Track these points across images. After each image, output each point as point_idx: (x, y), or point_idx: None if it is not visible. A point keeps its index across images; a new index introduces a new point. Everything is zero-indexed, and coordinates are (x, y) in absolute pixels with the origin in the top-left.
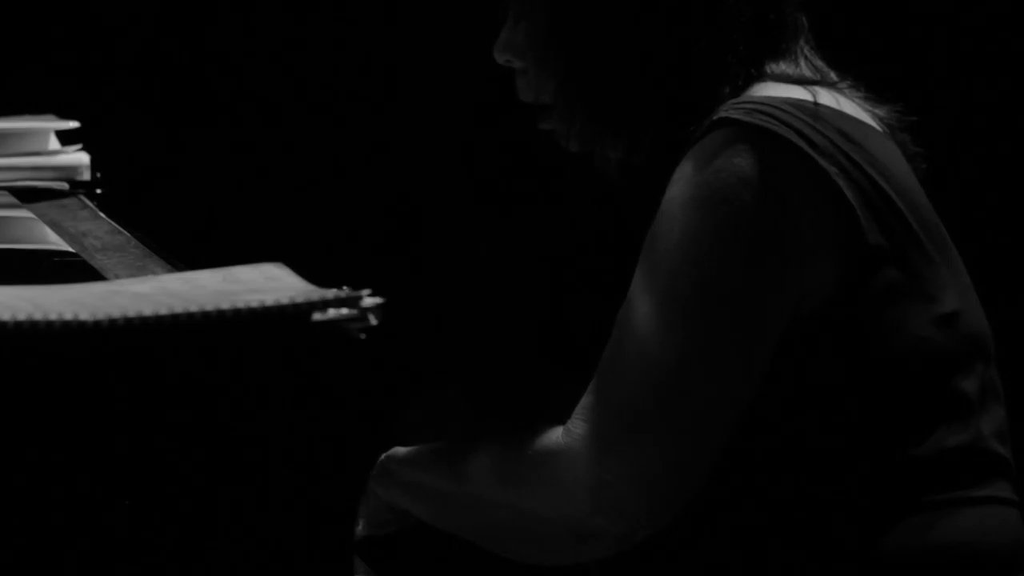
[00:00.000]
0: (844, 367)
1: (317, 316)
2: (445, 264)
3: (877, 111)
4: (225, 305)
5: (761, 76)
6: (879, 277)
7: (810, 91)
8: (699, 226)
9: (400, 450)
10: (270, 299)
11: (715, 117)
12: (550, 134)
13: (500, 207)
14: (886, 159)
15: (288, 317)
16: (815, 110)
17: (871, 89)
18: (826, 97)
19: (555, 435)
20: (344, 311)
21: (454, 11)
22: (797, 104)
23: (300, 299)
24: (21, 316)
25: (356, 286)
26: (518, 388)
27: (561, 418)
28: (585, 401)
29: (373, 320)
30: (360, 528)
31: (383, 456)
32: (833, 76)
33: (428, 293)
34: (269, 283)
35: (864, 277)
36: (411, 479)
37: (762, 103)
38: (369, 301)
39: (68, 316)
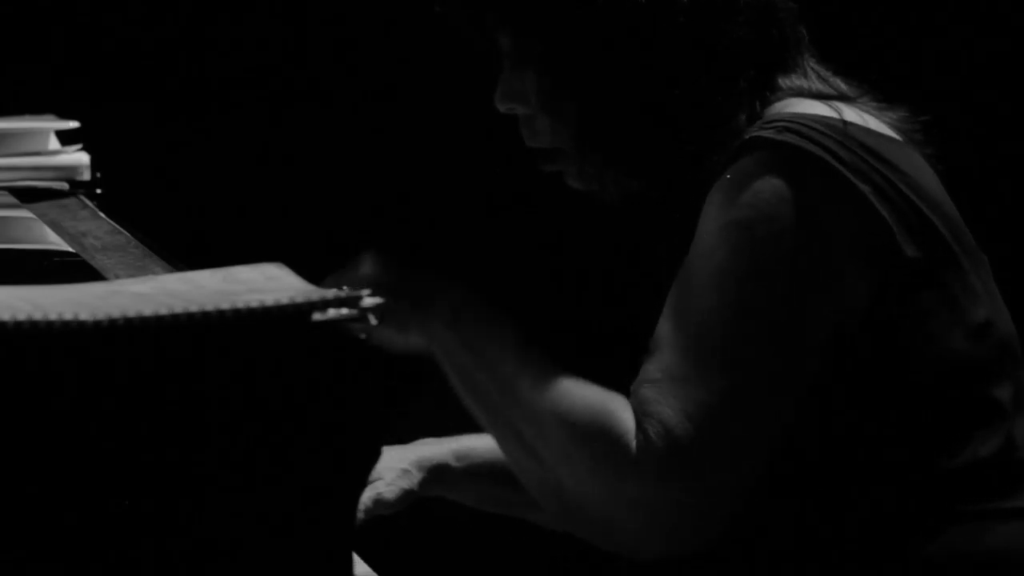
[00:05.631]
0: (881, 381)
1: (317, 316)
2: (445, 264)
3: (891, 118)
4: (225, 305)
5: (775, 93)
6: (915, 291)
7: (834, 107)
8: (737, 255)
9: (481, 309)
10: (270, 299)
11: (746, 136)
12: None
13: (500, 207)
14: (914, 172)
15: (288, 317)
16: (843, 128)
17: (880, 92)
18: (851, 113)
19: (627, 438)
20: (344, 311)
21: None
22: (824, 122)
23: (300, 299)
24: (21, 316)
25: (356, 286)
26: None
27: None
28: (646, 419)
29: (373, 320)
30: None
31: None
32: (843, 86)
33: None
34: (269, 283)
35: (902, 292)
36: (485, 353)
37: (791, 121)
38: (369, 301)
39: (68, 316)
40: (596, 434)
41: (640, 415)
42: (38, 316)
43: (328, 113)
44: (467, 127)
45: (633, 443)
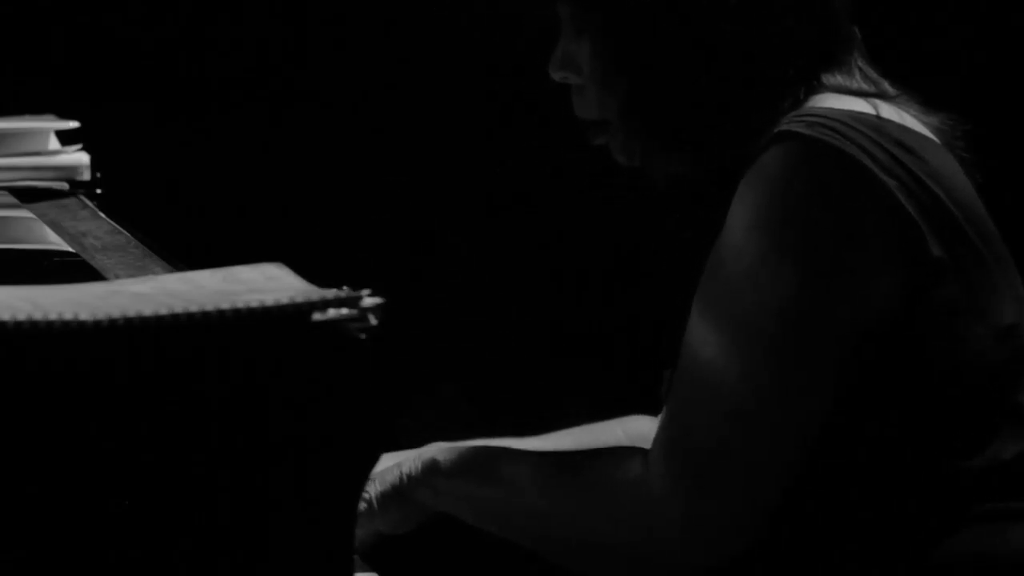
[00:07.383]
0: (905, 381)
1: (317, 316)
2: (446, 263)
3: (933, 121)
4: (225, 305)
5: (819, 88)
6: (941, 290)
7: (872, 104)
8: (764, 249)
9: (440, 460)
10: (270, 299)
11: (776, 130)
12: (600, 147)
13: (500, 207)
14: (946, 172)
15: (288, 317)
16: (878, 123)
17: (925, 97)
18: (888, 110)
19: (635, 466)
20: (344, 311)
21: (457, 9)
22: (859, 117)
23: (300, 299)
24: (21, 316)
25: (356, 286)
26: (522, 386)
27: (565, 412)
28: (662, 435)
29: (373, 320)
30: (366, 529)
31: (421, 465)
32: (888, 87)
33: (429, 293)
34: (269, 283)
35: (927, 290)
36: (465, 492)
37: (823, 116)
38: (369, 301)
39: (68, 316)
40: (602, 471)
41: (668, 428)
42: (38, 316)
43: (328, 113)
44: (467, 127)
45: (641, 468)
